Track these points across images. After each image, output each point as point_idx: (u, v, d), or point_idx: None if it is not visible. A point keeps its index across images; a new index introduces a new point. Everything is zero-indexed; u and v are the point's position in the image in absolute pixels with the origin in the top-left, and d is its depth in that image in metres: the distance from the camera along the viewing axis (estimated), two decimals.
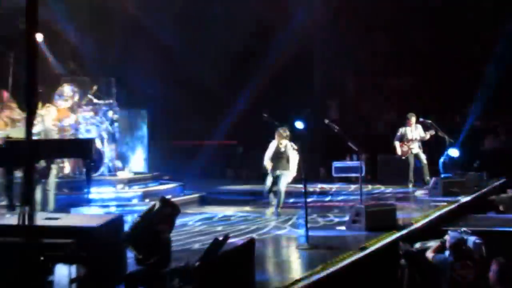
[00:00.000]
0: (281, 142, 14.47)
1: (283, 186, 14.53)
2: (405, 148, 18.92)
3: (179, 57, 21.95)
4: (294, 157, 14.43)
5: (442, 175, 18.61)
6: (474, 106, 24.88)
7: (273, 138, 14.53)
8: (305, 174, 12.40)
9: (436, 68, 27.18)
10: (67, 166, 15.70)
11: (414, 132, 18.94)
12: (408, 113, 19.69)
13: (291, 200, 16.20)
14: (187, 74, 22.23)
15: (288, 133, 14.55)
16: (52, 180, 13.76)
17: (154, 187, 16.76)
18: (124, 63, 19.77)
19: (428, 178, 18.60)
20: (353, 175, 21.18)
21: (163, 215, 8.59)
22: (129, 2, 20.32)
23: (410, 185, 18.87)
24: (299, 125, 15.20)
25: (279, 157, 14.55)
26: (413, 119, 19.11)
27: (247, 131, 22.77)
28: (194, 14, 22.06)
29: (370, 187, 19.54)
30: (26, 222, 8.10)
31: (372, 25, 26.07)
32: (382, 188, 19.56)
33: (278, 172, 14.56)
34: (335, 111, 26.48)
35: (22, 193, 8.58)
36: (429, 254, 10.37)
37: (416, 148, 18.86)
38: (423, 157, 18.90)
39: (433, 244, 10.59)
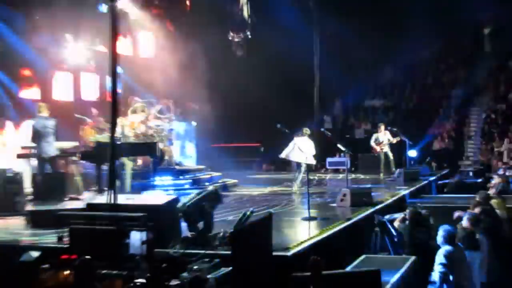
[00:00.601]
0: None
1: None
2: (378, 148, 18.84)
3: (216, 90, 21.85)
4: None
5: (404, 167, 18.54)
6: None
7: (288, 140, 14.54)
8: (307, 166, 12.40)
9: (400, 93, 27.31)
10: (140, 161, 15.71)
11: (384, 136, 18.86)
12: (379, 123, 19.87)
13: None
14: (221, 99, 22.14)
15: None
16: (129, 171, 13.79)
17: (201, 176, 16.67)
18: (181, 88, 19.58)
19: (394, 169, 18.48)
20: (341, 167, 21.04)
21: (209, 198, 8.60)
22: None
23: (381, 175, 18.73)
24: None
25: None
26: (383, 127, 19.09)
27: (266, 135, 22.79)
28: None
29: (353, 175, 19.38)
30: (111, 201, 8.13)
31: (353, 64, 26.19)
32: (361, 176, 19.43)
33: None
34: (328, 122, 26.55)
35: (108, 180, 8.60)
36: (396, 223, 10.27)
37: (386, 148, 18.75)
38: (390, 154, 18.80)
39: (398, 215, 10.48)
